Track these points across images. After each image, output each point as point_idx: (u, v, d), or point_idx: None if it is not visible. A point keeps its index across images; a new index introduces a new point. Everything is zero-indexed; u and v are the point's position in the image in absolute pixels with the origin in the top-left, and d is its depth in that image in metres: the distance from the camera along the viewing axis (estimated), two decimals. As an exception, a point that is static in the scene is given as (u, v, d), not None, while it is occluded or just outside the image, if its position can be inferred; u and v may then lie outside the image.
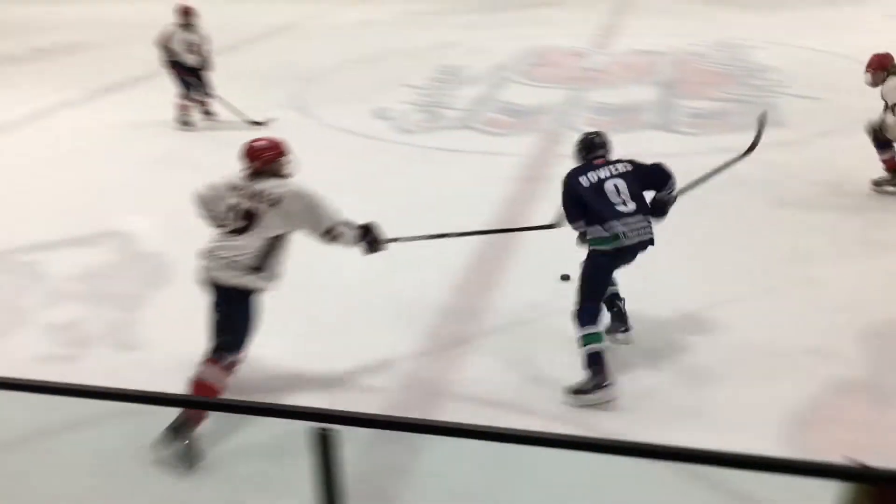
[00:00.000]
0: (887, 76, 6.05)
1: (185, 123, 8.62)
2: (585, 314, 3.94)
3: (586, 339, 3.88)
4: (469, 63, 11.31)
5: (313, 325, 4.67)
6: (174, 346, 4.49)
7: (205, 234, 3.82)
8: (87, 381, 2.54)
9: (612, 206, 3.96)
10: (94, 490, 3.35)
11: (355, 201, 6.43)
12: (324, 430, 1.57)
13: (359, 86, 10.31)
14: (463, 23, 14.97)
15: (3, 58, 12.96)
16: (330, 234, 3.78)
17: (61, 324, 4.76)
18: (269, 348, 4.46)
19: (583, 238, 4.14)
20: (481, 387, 4.02)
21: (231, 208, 3.70)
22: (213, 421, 3.47)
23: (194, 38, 8.56)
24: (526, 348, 4.36)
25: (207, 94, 8.68)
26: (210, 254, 3.69)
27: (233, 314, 3.68)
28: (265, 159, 3.79)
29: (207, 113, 8.82)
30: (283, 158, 3.84)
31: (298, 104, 9.53)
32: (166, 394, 2.68)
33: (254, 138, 3.98)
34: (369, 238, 3.96)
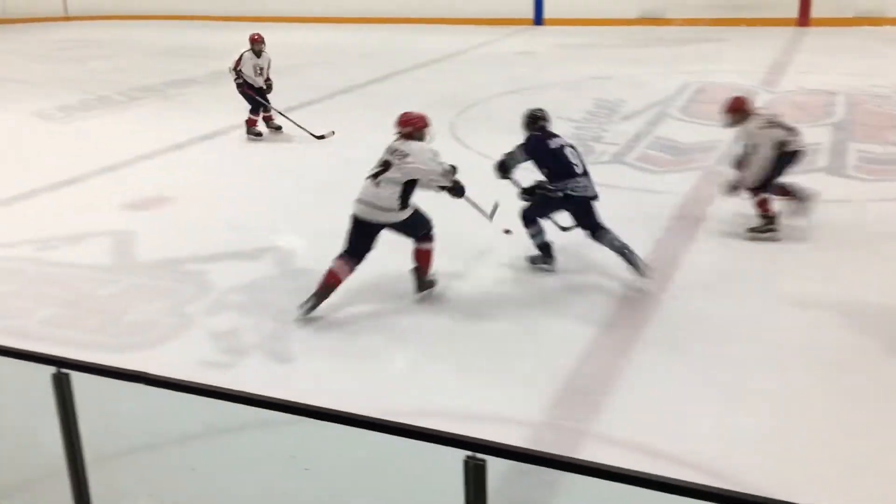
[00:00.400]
0: (744, 119, 6.17)
1: (255, 135, 9.70)
2: (533, 226, 5.57)
3: (536, 238, 5.58)
4: (626, 97, 11.16)
5: (463, 348, 4.72)
6: (322, 362, 4.67)
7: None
8: (240, 387, 2.68)
9: (572, 166, 5.39)
10: (240, 495, 3.49)
11: (495, 231, 6.50)
12: (477, 459, 1.57)
13: (515, 116, 10.35)
14: (622, 56, 14.83)
15: (184, 80, 13.99)
16: (442, 189, 5.13)
17: (222, 332, 5.03)
18: (410, 370, 4.56)
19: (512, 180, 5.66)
20: (628, 427, 3.92)
21: (378, 162, 5.03)
22: (353, 442, 3.54)
23: (262, 62, 9.66)
24: (689, 390, 4.21)
25: (270, 111, 9.80)
26: (368, 202, 4.97)
27: (403, 227, 5.09)
28: (411, 126, 5.09)
29: (277, 128, 9.85)
30: (425, 129, 5.13)
31: (455, 132, 9.71)
32: (315, 406, 2.78)
33: (406, 111, 5.24)
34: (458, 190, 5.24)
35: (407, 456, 2.83)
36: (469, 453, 1.62)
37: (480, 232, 6.38)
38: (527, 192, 5.53)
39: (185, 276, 5.85)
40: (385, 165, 4.97)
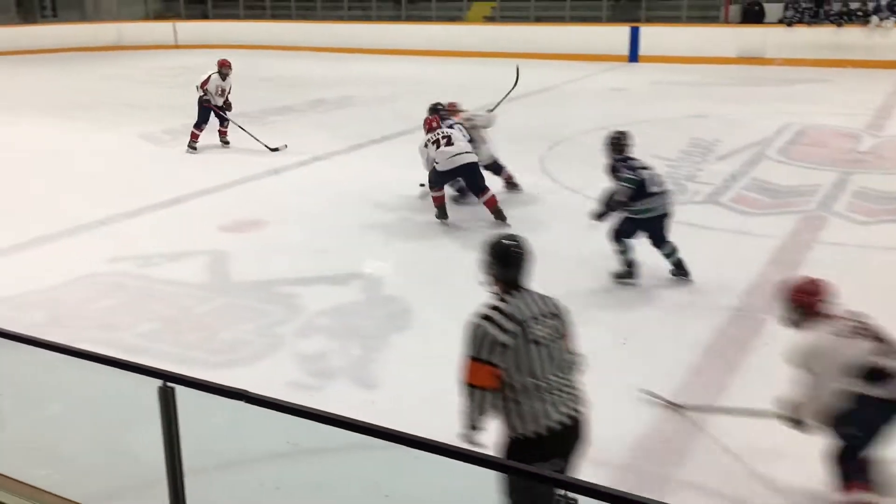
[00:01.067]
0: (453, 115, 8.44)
1: (192, 149, 10.94)
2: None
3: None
4: (723, 137, 10.94)
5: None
6: (407, 390, 4.70)
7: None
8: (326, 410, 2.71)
9: (449, 137, 7.57)
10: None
11: (589, 267, 6.44)
12: (569, 498, 1.56)
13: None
14: (720, 95, 14.57)
15: (282, 107, 14.44)
16: None
17: (310, 354, 5.13)
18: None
19: None
20: (713, 477, 3.79)
21: (440, 137, 7.51)
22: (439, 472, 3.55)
23: (226, 85, 10.98)
24: (773, 442, 4.06)
25: (226, 128, 11.15)
26: (464, 149, 7.49)
27: (474, 173, 7.53)
28: (431, 123, 7.77)
29: (225, 143, 11.18)
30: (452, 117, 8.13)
31: (545, 166, 9.71)
32: (402, 432, 2.79)
33: (427, 118, 7.87)
34: None
35: (491, 488, 2.83)
36: (561, 491, 1.60)
37: (565, 264, 6.35)
38: None
39: (276, 298, 6.01)
40: (447, 136, 7.51)
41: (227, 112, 11.04)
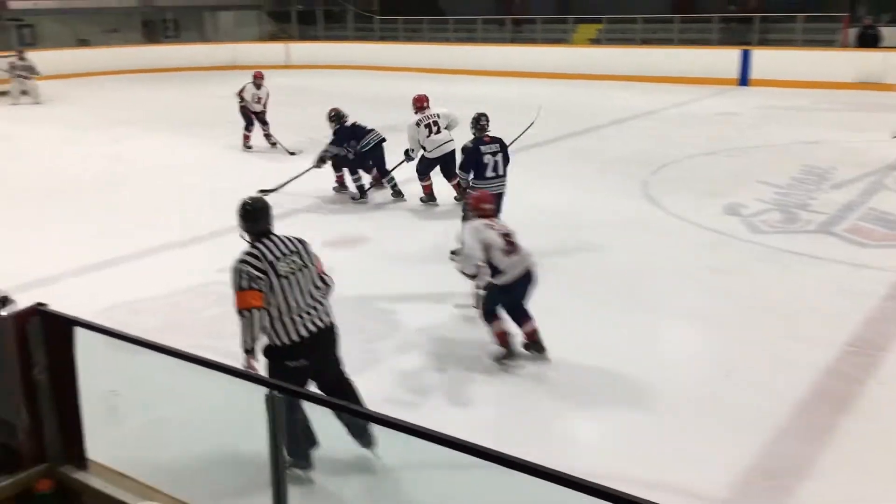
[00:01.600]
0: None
1: (247, 148, 12.65)
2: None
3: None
4: (837, 164, 10.52)
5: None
6: (502, 411, 4.69)
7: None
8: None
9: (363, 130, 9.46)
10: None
11: (694, 295, 6.29)
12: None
13: (712, 178, 10.07)
14: (835, 121, 14.02)
15: (388, 126, 14.60)
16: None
17: (407, 371, 5.19)
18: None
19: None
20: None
21: (431, 122, 8.80)
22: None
23: (261, 93, 12.56)
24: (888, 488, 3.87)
25: (267, 132, 12.69)
26: (441, 144, 8.66)
27: (453, 159, 8.45)
28: (423, 102, 8.92)
29: (273, 144, 12.67)
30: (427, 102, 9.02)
31: (648, 190, 9.56)
32: (499, 452, 2.80)
33: (419, 93, 9.09)
34: None
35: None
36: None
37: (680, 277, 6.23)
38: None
39: (376, 314, 6.11)
40: (437, 123, 8.67)
41: (264, 117, 12.62)
